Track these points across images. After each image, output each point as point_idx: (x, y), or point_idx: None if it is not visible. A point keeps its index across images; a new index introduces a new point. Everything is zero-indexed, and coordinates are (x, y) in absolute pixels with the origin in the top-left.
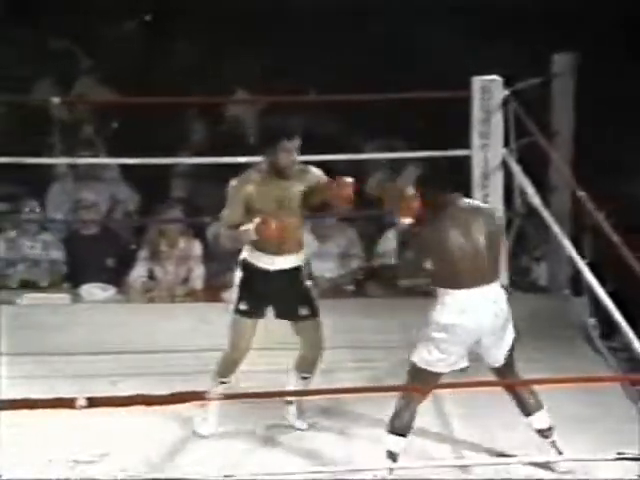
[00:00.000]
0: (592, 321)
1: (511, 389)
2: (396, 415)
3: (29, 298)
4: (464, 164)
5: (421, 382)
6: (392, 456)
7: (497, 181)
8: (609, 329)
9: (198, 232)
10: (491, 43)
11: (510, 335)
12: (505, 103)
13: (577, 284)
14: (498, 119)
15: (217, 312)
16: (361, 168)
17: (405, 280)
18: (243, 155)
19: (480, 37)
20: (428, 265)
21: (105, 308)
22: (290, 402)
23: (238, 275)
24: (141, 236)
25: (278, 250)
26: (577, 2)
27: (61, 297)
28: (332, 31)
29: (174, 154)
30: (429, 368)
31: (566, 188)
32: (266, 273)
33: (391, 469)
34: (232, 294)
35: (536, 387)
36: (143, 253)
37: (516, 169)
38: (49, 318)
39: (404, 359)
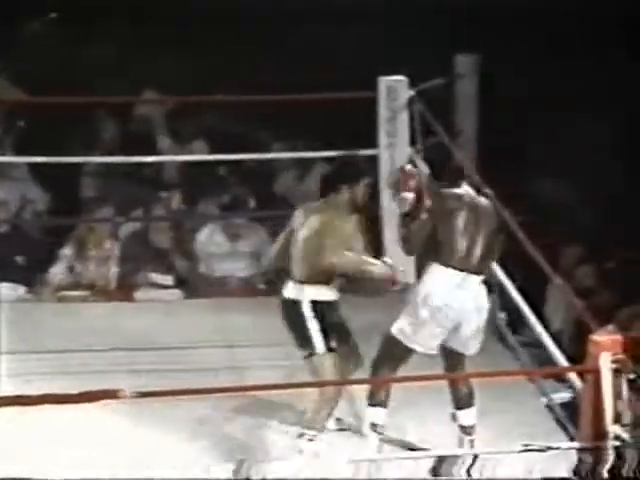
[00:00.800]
0: (502, 316)
1: (454, 381)
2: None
3: None
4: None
5: (392, 354)
6: (374, 427)
7: None
8: (518, 324)
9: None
10: (394, 44)
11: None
12: (410, 103)
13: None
14: (404, 118)
15: (128, 311)
16: (269, 167)
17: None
18: (151, 155)
19: (384, 38)
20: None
21: (14, 307)
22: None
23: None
24: (52, 236)
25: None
26: (479, 2)
27: None
28: (248, 33)
29: (84, 153)
30: (405, 342)
31: (471, 186)
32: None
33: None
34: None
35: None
36: (66, 250)
37: (423, 167)
38: None
39: None
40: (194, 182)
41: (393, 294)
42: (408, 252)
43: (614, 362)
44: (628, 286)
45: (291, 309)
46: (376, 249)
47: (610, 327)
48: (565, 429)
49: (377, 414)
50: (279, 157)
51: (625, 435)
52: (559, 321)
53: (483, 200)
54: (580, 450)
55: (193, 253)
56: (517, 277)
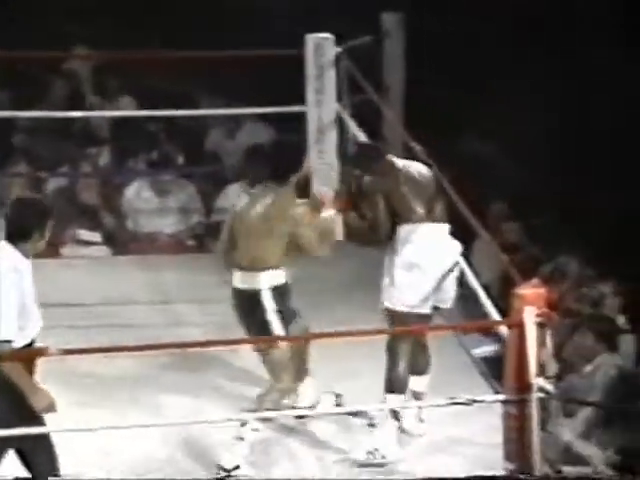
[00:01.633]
0: None
1: (422, 344)
2: (390, 372)
3: None
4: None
5: (403, 326)
6: (395, 415)
7: (332, 136)
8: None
9: (32, 187)
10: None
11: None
12: (338, 60)
13: None
14: (331, 75)
15: (55, 268)
16: (200, 124)
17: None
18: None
19: None
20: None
21: None
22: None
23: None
24: None
25: None
26: None
27: None
28: None
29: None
30: (413, 310)
31: (399, 143)
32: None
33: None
34: None
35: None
36: None
37: (351, 123)
38: None
39: None
40: (123, 138)
41: None
42: (380, 239)
43: (538, 315)
44: (552, 242)
45: (247, 298)
46: None
47: (534, 281)
48: (490, 383)
49: (396, 400)
50: (208, 113)
51: (549, 387)
52: (485, 276)
53: (411, 162)
54: (505, 403)
55: (121, 209)
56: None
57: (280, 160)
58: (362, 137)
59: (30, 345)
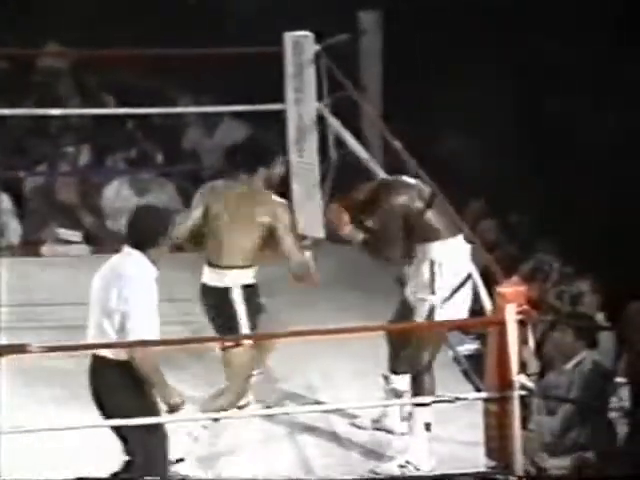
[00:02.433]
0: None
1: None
2: (419, 387)
3: None
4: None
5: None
6: (428, 427)
7: (312, 134)
8: None
9: (10, 186)
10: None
11: None
12: (317, 58)
13: None
14: (310, 73)
15: (35, 266)
16: (178, 122)
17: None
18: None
19: None
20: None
21: None
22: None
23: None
24: None
25: None
26: None
27: None
28: None
29: None
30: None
31: (378, 140)
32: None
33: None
34: None
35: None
36: None
37: (333, 121)
38: None
39: None
40: (101, 137)
41: None
42: (396, 258)
43: (519, 313)
44: (530, 240)
45: (217, 296)
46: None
47: (515, 279)
48: (472, 380)
49: (426, 413)
50: (186, 111)
51: (530, 384)
52: None
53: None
54: (486, 400)
55: (100, 208)
56: None
57: (258, 158)
58: (347, 137)
59: None
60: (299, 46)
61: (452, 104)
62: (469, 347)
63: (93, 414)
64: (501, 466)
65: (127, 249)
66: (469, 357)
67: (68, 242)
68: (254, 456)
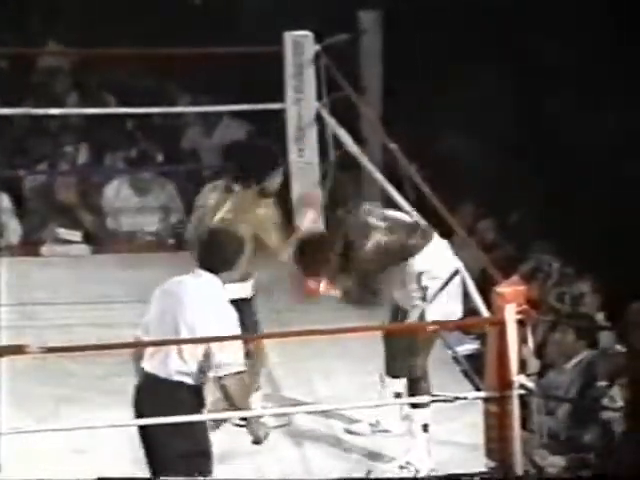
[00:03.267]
0: None
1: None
2: (415, 392)
3: None
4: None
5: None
6: (426, 428)
7: (311, 134)
8: None
9: (10, 186)
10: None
11: None
12: (317, 58)
13: None
14: (310, 73)
15: (34, 266)
16: (176, 121)
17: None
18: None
19: None
20: None
21: None
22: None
23: None
24: None
25: None
26: None
27: None
28: None
29: None
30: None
31: (377, 141)
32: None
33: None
34: None
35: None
36: None
37: (331, 121)
38: None
39: None
40: (101, 136)
41: None
42: (383, 290)
43: (519, 313)
44: (530, 240)
45: None
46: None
47: (514, 279)
48: (471, 380)
49: (424, 414)
50: (186, 111)
51: (530, 384)
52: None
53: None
54: (486, 400)
55: (100, 208)
56: None
57: (258, 158)
58: (344, 136)
59: None
60: (299, 46)
61: (452, 104)
62: (469, 347)
63: (93, 414)
64: (501, 466)
65: (199, 271)
66: (469, 357)
67: (68, 242)
68: (254, 456)
